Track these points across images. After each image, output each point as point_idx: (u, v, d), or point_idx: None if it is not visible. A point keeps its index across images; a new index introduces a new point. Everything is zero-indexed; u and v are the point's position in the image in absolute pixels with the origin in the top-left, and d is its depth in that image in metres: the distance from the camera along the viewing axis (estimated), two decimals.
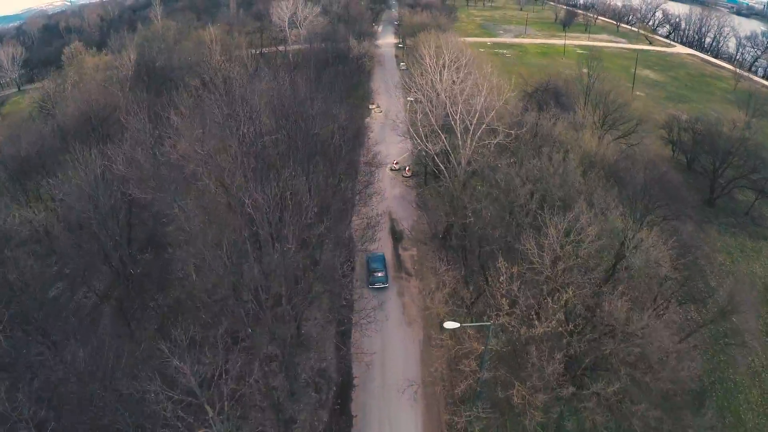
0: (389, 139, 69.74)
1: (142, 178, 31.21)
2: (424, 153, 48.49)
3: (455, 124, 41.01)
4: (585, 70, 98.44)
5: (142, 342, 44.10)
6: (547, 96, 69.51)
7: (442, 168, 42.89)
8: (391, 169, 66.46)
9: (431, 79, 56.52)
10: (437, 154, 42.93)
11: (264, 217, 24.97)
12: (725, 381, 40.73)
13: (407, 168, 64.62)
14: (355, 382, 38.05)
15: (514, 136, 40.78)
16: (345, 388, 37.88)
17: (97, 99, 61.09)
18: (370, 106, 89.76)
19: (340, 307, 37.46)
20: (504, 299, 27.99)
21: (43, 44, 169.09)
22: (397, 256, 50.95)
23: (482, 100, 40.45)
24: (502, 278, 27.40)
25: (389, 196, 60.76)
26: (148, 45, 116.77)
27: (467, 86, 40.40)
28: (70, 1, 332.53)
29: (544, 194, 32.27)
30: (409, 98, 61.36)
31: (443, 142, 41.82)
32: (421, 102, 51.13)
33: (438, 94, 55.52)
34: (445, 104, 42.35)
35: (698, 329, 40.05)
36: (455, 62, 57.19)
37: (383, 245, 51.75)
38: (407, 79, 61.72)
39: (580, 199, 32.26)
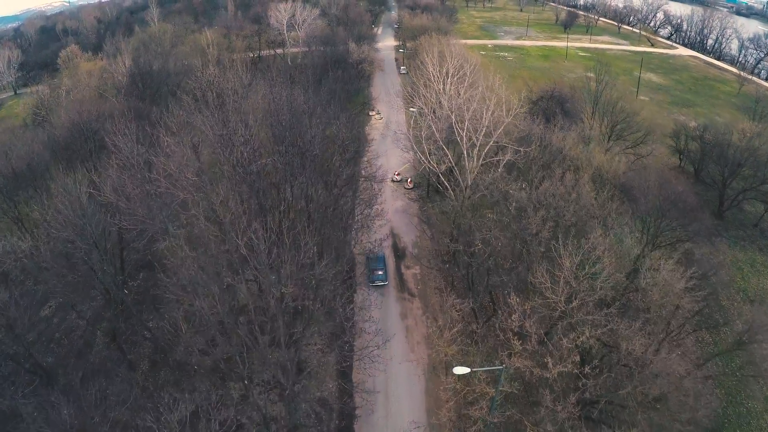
0: (390, 149, 68.04)
1: (129, 208, 29.58)
2: (428, 170, 46.81)
3: (461, 141, 39.39)
4: (590, 74, 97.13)
5: (137, 368, 42.96)
6: (553, 104, 67.90)
7: (447, 186, 41.27)
8: (393, 181, 64.73)
9: (435, 90, 55.01)
10: (442, 172, 41.31)
11: (259, 259, 23.41)
12: (739, 408, 39.28)
13: (409, 180, 62.92)
14: (357, 412, 36.48)
15: (522, 153, 39.18)
16: (347, 419, 36.35)
17: (89, 110, 59.23)
18: (370, 113, 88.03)
19: (341, 334, 35.76)
20: (515, 338, 26.40)
21: (39, 47, 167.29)
22: (400, 275, 49.26)
23: (489, 115, 38.81)
24: (514, 317, 25.80)
25: (391, 209, 59.08)
26: (144, 49, 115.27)
27: (474, 102, 38.69)
28: (69, 2, 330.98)
29: (557, 220, 30.71)
30: (411, 109, 59.84)
31: (449, 161, 40.22)
32: (423, 113, 49.52)
33: (442, 106, 53.97)
34: (450, 117, 40.66)
35: (713, 358, 38.59)
36: (459, 70, 55.68)
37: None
38: (409, 89, 60.10)
39: (595, 226, 30.67)
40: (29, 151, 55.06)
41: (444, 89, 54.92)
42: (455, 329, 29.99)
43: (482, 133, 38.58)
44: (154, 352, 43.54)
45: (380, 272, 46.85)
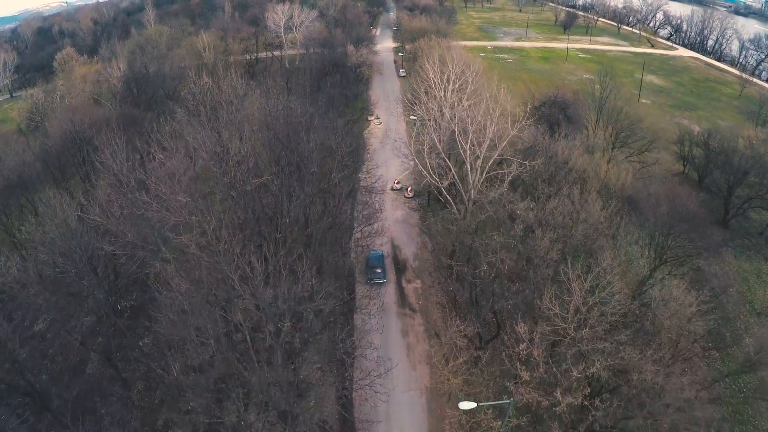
0: (390, 158, 66.70)
1: (118, 232, 28.41)
2: (431, 184, 45.57)
3: (464, 154, 38.22)
4: (591, 76, 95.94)
5: (132, 387, 41.79)
6: (555, 110, 66.80)
7: (450, 200, 40.12)
8: (392, 189, 63.57)
9: (436, 96, 53.83)
10: (445, 187, 40.12)
11: (254, 293, 22.31)
12: (747, 427, 38.25)
13: (409, 188, 61.74)
14: None
15: (528, 167, 38.07)
16: None
17: (82, 118, 57.96)
18: (369, 118, 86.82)
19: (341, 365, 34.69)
20: (523, 367, 25.30)
21: (36, 49, 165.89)
22: (401, 290, 48.12)
23: (493, 128, 37.66)
24: (522, 346, 24.71)
25: (391, 219, 57.93)
26: (140, 52, 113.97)
27: (479, 114, 37.47)
28: (66, 2, 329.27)
29: (566, 240, 29.65)
30: (411, 117, 58.70)
31: (453, 176, 39.04)
32: (425, 122, 48.40)
33: (443, 115, 52.79)
34: (452, 128, 39.44)
35: (722, 379, 37.54)
36: (461, 76, 54.50)
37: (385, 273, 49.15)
38: (409, 95, 58.88)
39: (604, 246, 29.60)
40: (20, 162, 53.81)
41: (445, 96, 53.78)
42: (460, 359, 28.87)
43: (486, 146, 37.42)
44: (149, 371, 42.51)
45: (379, 270, 47.60)
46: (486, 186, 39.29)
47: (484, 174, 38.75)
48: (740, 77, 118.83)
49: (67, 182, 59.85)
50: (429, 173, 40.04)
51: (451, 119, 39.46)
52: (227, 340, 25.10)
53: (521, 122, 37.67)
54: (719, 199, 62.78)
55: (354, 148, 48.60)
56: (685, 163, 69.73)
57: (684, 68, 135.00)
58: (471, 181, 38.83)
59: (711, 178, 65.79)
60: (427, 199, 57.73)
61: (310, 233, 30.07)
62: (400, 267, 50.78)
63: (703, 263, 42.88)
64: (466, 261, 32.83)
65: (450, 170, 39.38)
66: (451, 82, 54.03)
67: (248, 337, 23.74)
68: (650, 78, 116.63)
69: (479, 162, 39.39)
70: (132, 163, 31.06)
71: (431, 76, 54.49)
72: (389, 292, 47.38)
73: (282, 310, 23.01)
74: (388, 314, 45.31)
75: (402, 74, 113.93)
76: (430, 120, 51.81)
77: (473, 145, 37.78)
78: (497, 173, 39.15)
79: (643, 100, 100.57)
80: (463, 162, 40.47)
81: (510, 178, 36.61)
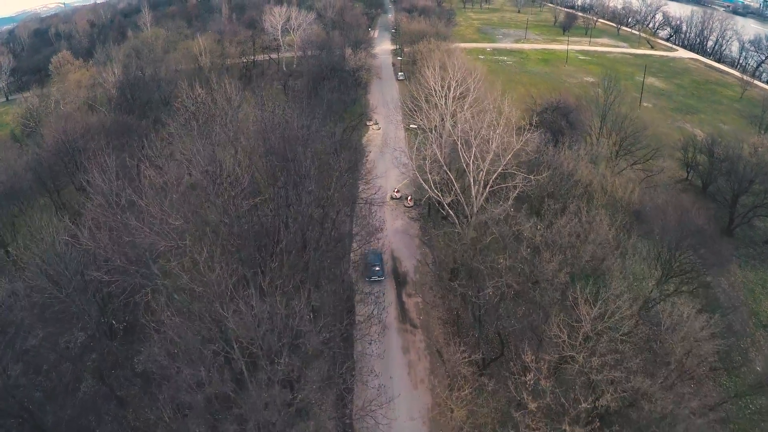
0: (389, 166, 65.48)
1: (107, 257, 27.32)
2: (434, 199, 44.42)
3: (468, 167, 37.13)
4: (591, 79, 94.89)
5: (127, 405, 40.68)
6: (557, 116, 65.75)
7: (453, 215, 39.05)
8: (392, 198, 62.49)
9: (436, 104, 52.85)
10: (448, 203, 39.03)
11: (249, 329, 21.27)
12: None
13: (409, 197, 60.63)
14: None
15: (533, 181, 37.01)
16: None
17: (74, 127, 56.78)
18: (368, 123, 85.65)
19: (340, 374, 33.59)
20: (530, 397, 24.28)
21: (32, 51, 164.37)
22: (401, 304, 47.05)
23: (498, 139, 36.58)
24: (529, 376, 23.69)
25: (390, 229, 56.90)
26: (136, 55, 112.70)
27: (482, 127, 36.34)
28: (64, 3, 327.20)
29: (574, 262, 28.66)
30: (412, 126, 57.67)
31: (456, 192, 37.92)
32: (425, 132, 47.38)
33: (444, 125, 51.75)
34: (455, 140, 38.32)
35: (730, 399, 36.57)
36: (462, 83, 53.51)
37: (385, 287, 48.11)
38: (409, 103, 57.76)
39: (613, 268, 28.59)
40: (11, 173, 52.63)
41: (446, 104, 52.75)
42: (465, 390, 27.83)
43: (489, 159, 36.31)
44: (143, 388, 41.44)
45: (377, 268, 48.66)
46: (489, 200, 38.25)
47: (487, 188, 37.70)
48: (741, 79, 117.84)
49: (60, 192, 58.93)
50: (431, 188, 38.95)
51: (453, 130, 38.26)
52: (222, 370, 24.03)
53: (526, 135, 36.57)
54: (724, 208, 61.89)
55: (353, 163, 47.49)
56: (689, 169, 68.76)
57: (684, 70, 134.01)
58: (474, 196, 37.76)
59: (715, 185, 64.91)
60: (428, 210, 56.64)
61: (308, 259, 29.00)
62: (400, 280, 49.69)
63: (711, 278, 41.89)
64: (470, 281, 31.75)
65: (453, 185, 38.28)
66: (452, 89, 53.04)
67: (244, 370, 22.68)
68: (651, 80, 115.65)
69: (482, 174, 38.29)
70: (122, 181, 29.89)
71: (432, 83, 53.49)
72: (389, 307, 46.30)
73: (278, 347, 21.94)
74: (389, 330, 44.26)
75: (401, 77, 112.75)
76: (431, 129, 50.80)
77: (476, 159, 36.70)
78: (501, 186, 38.11)
79: (645, 104, 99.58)
80: (466, 174, 39.39)
81: (515, 194, 35.52)
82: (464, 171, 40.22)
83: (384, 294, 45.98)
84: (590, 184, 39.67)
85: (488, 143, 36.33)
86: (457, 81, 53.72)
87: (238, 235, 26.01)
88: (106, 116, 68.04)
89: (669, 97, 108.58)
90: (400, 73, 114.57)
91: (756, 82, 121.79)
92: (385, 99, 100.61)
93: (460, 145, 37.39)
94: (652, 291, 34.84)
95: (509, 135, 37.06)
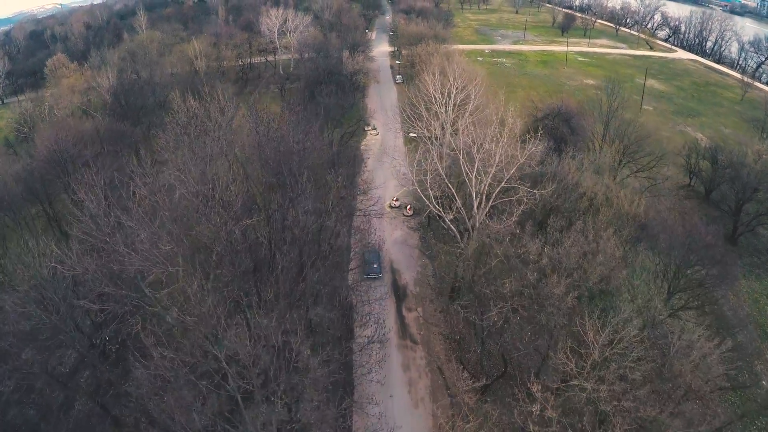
0: (388, 176, 64.17)
1: (95, 284, 26.17)
2: (435, 213, 43.20)
3: (470, 182, 36.04)
4: (591, 81, 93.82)
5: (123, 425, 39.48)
6: (559, 121, 64.72)
7: (455, 231, 37.96)
8: (391, 207, 61.37)
9: (437, 111, 51.88)
10: (451, 219, 37.87)
11: (243, 368, 20.25)
12: None
13: (408, 206, 59.46)
14: None
15: (537, 195, 35.93)
16: None
17: (66, 136, 55.56)
18: (366, 128, 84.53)
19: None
20: (536, 428, 23.24)
21: (28, 54, 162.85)
22: (401, 319, 45.96)
23: (501, 151, 35.50)
24: (535, 407, 22.66)
25: (389, 240, 55.80)
26: (131, 58, 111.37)
27: (485, 139, 35.20)
28: (61, 5, 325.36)
29: (581, 284, 27.66)
30: (411, 134, 56.61)
31: (458, 208, 36.84)
32: (426, 144, 46.36)
33: (445, 133, 50.78)
34: (457, 154, 37.22)
35: (738, 419, 35.60)
36: (462, 90, 52.56)
37: (384, 304, 46.96)
38: (408, 111, 56.65)
39: (621, 288, 27.58)
40: (2, 183, 51.45)
41: (447, 111, 51.73)
42: (469, 425, 26.77)
43: (492, 173, 35.24)
44: (139, 408, 40.35)
45: (375, 265, 50.30)
46: (492, 215, 37.19)
47: (490, 202, 36.64)
48: (742, 81, 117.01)
49: (53, 202, 57.74)
50: (432, 204, 37.87)
51: (455, 142, 37.13)
52: (216, 401, 22.94)
53: (530, 148, 35.48)
54: (728, 216, 61.00)
55: (351, 177, 46.38)
56: (692, 176, 67.85)
57: (684, 71, 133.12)
58: (476, 211, 36.71)
59: (719, 191, 64.03)
60: (428, 220, 55.53)
61: (304, 288, 27.91)
62: (399, 294, 48.56)
63: (719, 294, 40.94)
64: (473, 303, 30.69)
65: (455, 201, 37.19)
66: (453, 96, 52.06)
67: (240, 400, 21.63)
68: (651, 82, 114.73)
69: (484, 186, 37.19)
70: (111, 200, 28.73)
71: (432, 90, 52.47)
72: (389, 322, 45.22)
73: (273, 388, 20.89)
74: (389, 346, 43.15)
75: (399, 80, 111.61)
76: (431, 139, 49.81)
77: (479, 174, 35.58)
78: (504, 201, 37.05)
79: (645, 107, 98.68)
80: (467, 186, 38.34)
81: (519, 212, 34.43)
82: (464, 181, 39.18)
83: (384, 313, 44.47)
84: (595, 197, 38.65)
85: (491, 156, 35.27)
86: (457, 88, 52.74)
87: (230, 262, 24.94)
88: (100, 123, 66.80)
89: (669, 100, 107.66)
90: (398, 76, 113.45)
91: (756, 83, 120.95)
92: (383, 102, 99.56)
93: (462, 158, 36.32)
94: (659, 308, 33.72)
95: (513, 148, 35.98)
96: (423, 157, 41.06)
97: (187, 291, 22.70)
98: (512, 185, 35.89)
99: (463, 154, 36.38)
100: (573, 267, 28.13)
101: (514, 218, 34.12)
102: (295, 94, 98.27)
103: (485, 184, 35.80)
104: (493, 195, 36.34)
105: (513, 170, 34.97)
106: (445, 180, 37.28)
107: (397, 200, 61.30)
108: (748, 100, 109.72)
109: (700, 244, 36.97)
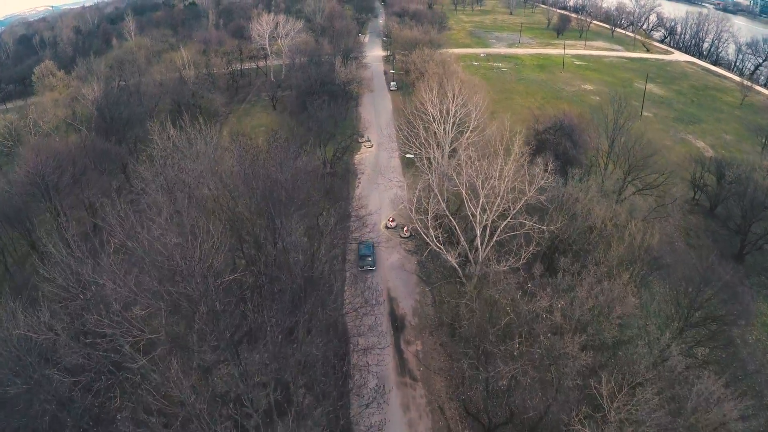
0: (383, 193, 61.77)
1: (66, 353, 23.70)
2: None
3: (474, 219, 33.79)
4: (589, 86, 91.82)
5: None
6: (560, 136, 62.58)
7: (458, 268, 35.69)
8: (387, 227, 58.97)
9: (435, 131, 49.74)
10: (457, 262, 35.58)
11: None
12: None
13: (405, 228, 57.03)
14: None
15: (545, 232, 33.75)
16: None
17: (47, 159, 52.91)
18: (360, 140, 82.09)
19: None
20: None
21: (16, 60, 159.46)
22: (399, 352, 43.67)
23: (506, 186, 33.26)
24: None
25: (385, 265, 53.51)
26: (119, 68, 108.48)
27: (493, 177, 32.86)
28: (53, 6, 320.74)
29: (596, 338, 25.55)
30: (408, 155, 54.35)
31: (464, 246, 34.60)
32: (423, 171, 44.12)
33: (444, 153, 48.63)
34: (458, 188, 34.94)
35: None
36: (462, 108, 50.45)
37: (381, 336, 44.59)
38: (405, 129, 54.30)
39: (637, 340, 25.42)
40: None
41: (446, 131, 49.59)
42: None
43: (497, 212, 33.00)
44: None
45: (369, 258, 52.11)
46: (497, 251, 34.96)
47: (494, 238, 34.41)
48: (741, 84, 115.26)
49: (34, 221, 55.22)
50: (434, 243, 35.54)
51: (456, 177, 34.79)
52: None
53: (539, 182, 33.20)
54: (733, 230, 59.17)
55: (343, 210, 44.05)
56: (696, 190, 65.92)
57: (682, 74, 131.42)
58: (479, 246, 34.48)
59: (725, 206, 62.20)
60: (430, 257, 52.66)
61: (294, 350, 25.64)
62: (397, 325, 46.21)
63: (735, 332, 38.96)
64: (479, 355, 28.43)
65: (456, 233, 34.93)
66: (452, 114, 49.89)
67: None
68: (649, 87, 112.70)
69: (488, 222, 34.91)
70: (82, 254, 26.18)
71: (430, 109, 50.24)
72: (387, 357, 42.91)
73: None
74: (386, 384, 40.89)
75: (393, 88, 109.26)
76: (429, 160, 47.60)
77: (484, 209, 33.26)
78: (509, 235, 34.79)
79: (646, 113, 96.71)
80: (468, 218, 36.12)
81: (528, 255, 32.21)
82: (466, 212, 36.92)
83: (384, 369, 41.65)
84: (605, 228, 36.50)
85: (496, 192, 32.95)
86: (457, 105, 50.57)
87: (212, 332, 22.58)
88: (83, 142, 64.05)
89: (669, 106, 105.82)
90: (392, 83, 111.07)
91: (756, 87, 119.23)
92: (377, 112, 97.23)
93: (464, 193, 34.00)
94: (671, 345, 31.64)
95: (521, 181, 33.73)
96: (423, 192, 38.75)
97: (167, 373, 20.30)
98: (518, 220, 33.65)
99: (466, 188, 34.08)
100: (587, 321, 26.00)
101: (522, 260, 31.88)
102: (286, 103, 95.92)
103: (489, 220, 33.59)
104: (498, 230, 34.09)
105: (520, 205, 32.76)
106: (449, 216, 34.94)
107: (393, 221, 58.89)
108: (747, 105, 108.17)
109: (716, 279, 35.00)
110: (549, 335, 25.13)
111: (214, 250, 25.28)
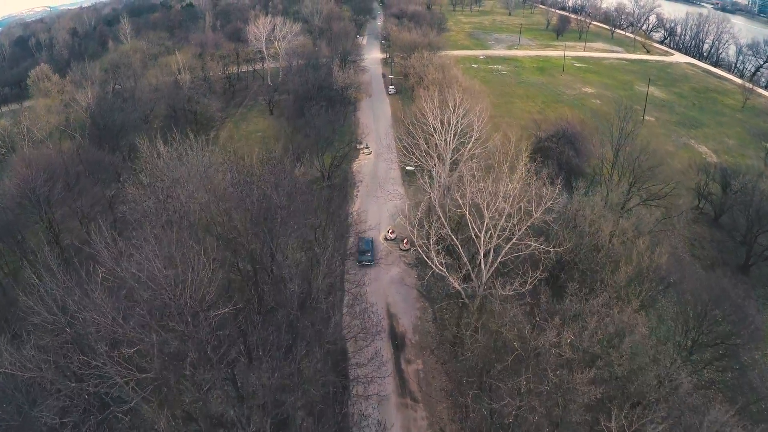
0: (382, 206, 60.43)
1: (52, 391, 22.50)
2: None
3: (478, 241, 32.56)
4: (589, 89, 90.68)
5: None
6: (562, 144, 61.51)
7: (461, 291, 34.50)
8: (386, 239, 57.76)
9: (436, 143, 48.61)
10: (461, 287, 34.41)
11: None
12: None
13: (405, 240, 55.77)
14: None
15: (552, 254, 32.59)
16: None
17: (37, 171, 51.59)
18: (358, 147, 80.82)
19: None
20: None
21: (12, 62, 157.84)
22: (399, 372, 42.46)
23: (510, 208, 32.06)
24: None
25: (385, 279, 52.32)
26: (113, 72, 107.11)
27: (498, 198, 31.59)
28: (50, 7, 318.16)
29: (606, 370, 24.43)
30: (408, 167, 53.15)
31: (467, 269, 33.38)
32: (424, 180, 42.95)
33: (445, 164, 47.50)
34: (462, 209, 33.69)
35: None
36: (463, 118, 49.30)
37: (381, 354, 43.38)
38: (405, 141, 53.04)
39: (648, 370, 24.30)
40: None
41: (446, 141, 48.39)
42: None
43: (502, 236, 31.77)
44: None
45: (368, 254, 52.90)
46: (500, 272, 33.79)
47: (498, 259, 33.22)
48: (742, 87, 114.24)
49: (25, 235, 53.98)
50: (437, 266, 34.28)
51: (461, 198, 33.49)
52: None
53: (547, 203, 31.97)
54: (739, 242, 58.15)
55: (342, 233, 42.78)
56: (701, 198, 64.85)
57: (682, 77, 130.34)
58: (482, 268, 33.29)
59: (730, 216, 61.14)
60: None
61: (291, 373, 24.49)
62: (398, 343, 45.00)
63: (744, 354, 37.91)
64: (481, 387, 27.30)
65: (458, 251, 33.72)
66: (453, 125, 48.71)
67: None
68: (650, 89, 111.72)
69: (492, 245, 33.69)
70: (68, 284, 24.83)
71: (431, 120, 49.05)
72: (387, 378, 41.69)
73: None
74: (387, 405, 39.79)
75: (392, 92, 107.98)
76: (430, 172, 46.46)
77: (489, 231, 32.01)
78: (514, 255, 33.60)
79: (647, 117, 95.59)
80: (472, 239, 34.94)
81: (534, 280, 31.04)
82: (467, 229, 35.71)
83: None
84: (613, 248, 35.37)
85: (501, 213, 31.72)
86: (458, 115, 49.41)
87: (204, 366, 21.41)
88: (76, 150, 62.76)
89: (671, 109, 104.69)
90: (391, 87, 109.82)
91: (757, 89, 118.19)
92: (376, 116, 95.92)
93: (468, 215, 32.74)
94: (679, 369, 30.52)
95: (527, 201, 32.51)
96: (425, 215, 37.52)
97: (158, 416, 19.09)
98: (523, 242, 32.46)
99: (469, 209, 32.86)
100: (597, 354, 24.89)
101: (528, 286, 30.69)
102: (283, 108, 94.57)
103: (493, 242, 32.40)
104: (502, 252, 32.91)
105: (525, 226, 31.57)
106: (452, 236, 33.66)
107: (392, 232, 57.68)
108: (749, 108, 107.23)
109: (723, 297, 33.99)
110: (558, 371, 23.99)
111: (206, 281, 24.04)
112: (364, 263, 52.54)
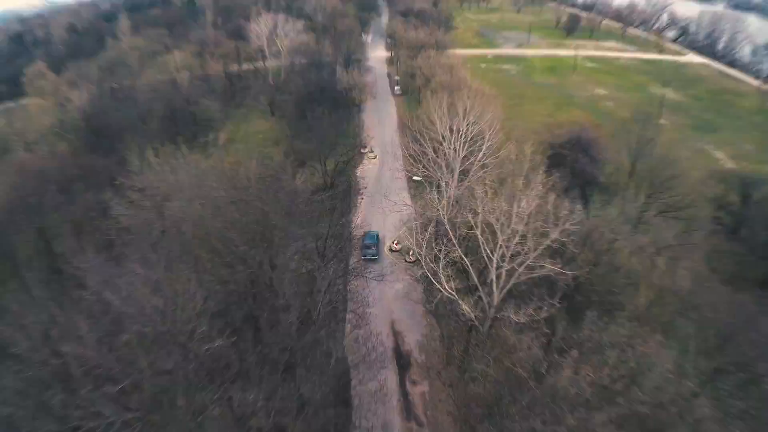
0: (388, 218, 57.94)
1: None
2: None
3: (490, 263, 30.17)
4: (602, 91, 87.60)
5: None
6: (577, 151, 58.81)
7: (471, 315, 32.11)
8: (391, 250, 55.36)
9: (445, 152, 46.26)
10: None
11: None
12: None
13: (411, 252, 53.21)
14: None
15: (569, 277, 30.18)
16: None
17: (29, 177, 49.66)
18: (363, 151, 78.30)
19: None
20: None
21: (8, 59, 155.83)
22: (404, 394, 40.12)
23: (525, 229, 29.62)
24: None
25: (389, 293, 49.92)
26: (110, 72, 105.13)
27: (511, 220, 29.14)
28: (49, 2, 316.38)
29: (626, 408, 22.07)
30: (415, 177, 50.76)
31: (477, 293, 31.05)
32: (433, 195, 40.54)
33: (454, 174, 45.11)
34: (474, 231, 31.28)
35: None
36: (472, 125, 46.92)
37: (385, 375, 41.23)
38: (413, 148, 50.63)
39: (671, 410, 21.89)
40: None
41: (456, 150, 45.99)
42: None
43: (516, 260, 29.33)
44: None
45: (373, 248, 52.94)
46: (513, 295, 31.40)
47: (511, 281, 30.81)
48: (759, 89, 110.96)
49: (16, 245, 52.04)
50: (445, 290, 31.94)
51: (473, 219, 31.02)
52: None
53: (565, 224, 29.45)
54: (758, 253, 55.28)
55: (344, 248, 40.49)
56: (719, 209, 61.84)
57: (697, 77, 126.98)
58: (495, 290, 30.91)
59: (750, 230, 58.27)
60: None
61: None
62: (402, 363, 42.57)
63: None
64: (492, 423, 24.94)
65: (475, 289, 31.33)
66: (462, 133, 46.28)
67: None
68: (664, 91, 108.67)
69: (506, 263, 31.27)
70: (52, 315, 22.74)
71: (440, 128, 46.63)
72: (391, 400, 39.49)
73: None
74: (391, 430, 37.55)
75: (398, 92, 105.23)
76: (439, 184, 44.07)
77: (503, 248, 29.59)
78: (528, 278, 31.19)
79: (662, 121, 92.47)
80: (483, 260, 32.53)
81: (551, 309, 28.63)
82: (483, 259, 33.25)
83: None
84: (632, 269, 32.91)
85: (515, 234, 29.31)
86: (468, 122, 46.97)
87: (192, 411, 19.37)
88: (69, 154, 60.75)
89: (686, 112, 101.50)
90: (396, 88, 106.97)
91: None
92: (381, 118, 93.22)
93: (480, 236, 30.30)
94: (701, 400, 28.05)
95: (543, 220, 30.08)
96: (433, 236, 35.09)
97: None
98: (538, 263, 30.03)
99: (481, 227, 30.43)
100: (618, 391, 22.55)
101: (544, 314, 28.30)
102: (285, 108, 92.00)
103: (506, 262, 30.00)
104: (515, 274, 30.49)
105: (541, 248, 29.14)
106: (463, 258, 31.27)
107: (398, 243, 55.23)
108: (767, 110, 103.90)
109: (752, 323, 31.52)
110: (575, 412, 21.63)
111: (198, 311, 21.84)
112: (368, 257, 52.34)
